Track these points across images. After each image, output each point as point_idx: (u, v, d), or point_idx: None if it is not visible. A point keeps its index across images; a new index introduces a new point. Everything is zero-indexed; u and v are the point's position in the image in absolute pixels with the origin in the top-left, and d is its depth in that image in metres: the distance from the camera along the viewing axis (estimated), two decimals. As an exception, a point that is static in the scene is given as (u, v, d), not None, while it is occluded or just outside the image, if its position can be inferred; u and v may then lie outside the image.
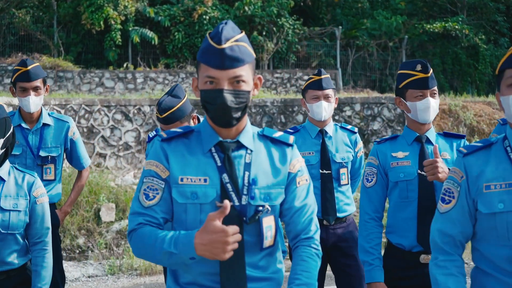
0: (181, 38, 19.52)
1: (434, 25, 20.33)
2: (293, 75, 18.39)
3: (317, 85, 4.88)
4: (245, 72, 2.43)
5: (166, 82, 17.71)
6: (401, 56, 20.41)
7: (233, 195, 2.46)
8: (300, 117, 14.15)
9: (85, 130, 13.25)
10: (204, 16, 19.50)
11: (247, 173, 2.50)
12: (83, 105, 13.36)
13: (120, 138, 13.52)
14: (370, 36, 20.65)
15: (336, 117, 14.19)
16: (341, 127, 5.07)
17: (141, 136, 13.62)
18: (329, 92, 4.89)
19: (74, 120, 13.13)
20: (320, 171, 4.88)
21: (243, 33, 2.49)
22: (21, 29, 19.21)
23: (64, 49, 19.22)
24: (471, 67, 20.61)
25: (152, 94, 16.23)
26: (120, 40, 18.76)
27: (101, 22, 18.44)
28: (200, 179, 2.48)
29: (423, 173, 3.59)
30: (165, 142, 2.56)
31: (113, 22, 18.66)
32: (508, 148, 2.54)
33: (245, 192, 2.48)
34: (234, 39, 2.43)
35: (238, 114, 2.46)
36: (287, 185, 2.59)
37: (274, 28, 19.97)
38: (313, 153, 4.91)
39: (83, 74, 17.19)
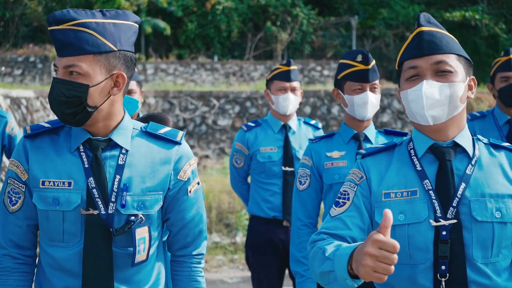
0: (194, 29, 19.31)
1: (453, 14, 19.82)
2: (306, 65, 18.06)
3: (285, 76, 4.59)
4: (84, 63, 2.13)
5: (177, 73, 17.52)
6: (418, 46, 19.93)
7: (99, 202, 2.18)
8: (307, 109, 13.85)
9: (88, 122, 13.10)
10: (217, 6, 19.25)
11: (118, 176, 2.21)
12: (86, 97, 13.21)
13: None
14: (387, 26, 20.21)
15: (345, 109, 13.85)
16: (305, 122, 4.80)
17: (146, 128, 13.44)
18: (296, 84, 4.61)
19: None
20: (283, 168, 4.62)
21: (103, 19, 2.16)
22: (34, 20, 19.16)
23: (76, 40, 19.10)
24: (490, 57, 20.06)
25: (163, 85, 16.04)
26: (132, 30, 18.57)
27: (113, 13, 18.27)
28: (63, 183, 2.19)
29: None
30: (29, 139, 2.25)
31: (125, 13, 18.48)
32: (412, 151, 2.22)
33: (113, 199, 2.19)
34: (73, 22, 2.12)
35: (72, 110, 2.15)
36: (175, 193, 2.32)
37: (289, 18, 19.65)
38: (275, 149, 4.65)
39: (93, 65, 17.03)
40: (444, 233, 2.06)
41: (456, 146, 2.16)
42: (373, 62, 3.39)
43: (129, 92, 4.31)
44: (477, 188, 2.11)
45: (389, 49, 20.17)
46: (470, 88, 2.20)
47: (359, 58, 3.36)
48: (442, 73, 2.10)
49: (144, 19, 18.95)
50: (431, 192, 2.10)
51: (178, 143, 2.34)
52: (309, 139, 3.60)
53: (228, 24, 19.39)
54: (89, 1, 18.92)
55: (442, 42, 2.12)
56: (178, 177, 2.32)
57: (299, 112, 13.79)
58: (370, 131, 3.48)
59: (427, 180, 2.12)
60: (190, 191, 2.36)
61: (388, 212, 1.70)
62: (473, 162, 2.14)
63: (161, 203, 2.30)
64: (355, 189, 2.19)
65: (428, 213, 2.09)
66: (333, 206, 2.20)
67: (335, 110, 13.85)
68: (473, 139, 2.22)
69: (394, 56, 20.28)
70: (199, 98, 13.83)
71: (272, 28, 19.26)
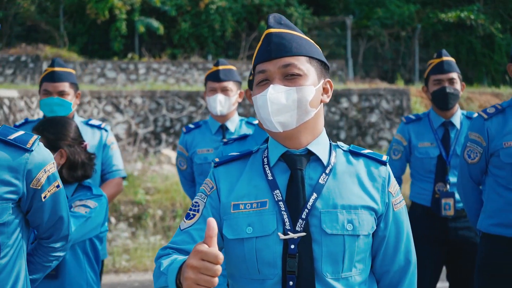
0: (187, 28, 19.25)
1: (449, 14, 19.67)
2: (299, 65, 17.95)
3: (214, 77, 4.54)
4: None
5: (169, 73, 17.45)
6: (413, 46, 19.83)
7: None
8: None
9: (74, 122, 13.04)
10: (210, 6, 19.17)
11: None
12: (72, 97, 13.15)
13: (111, 130, 13.29)
14: (383, 26, 20.08)
15: (333, 109, 13.77)
16: (247, 123, 4.71)
17: (132, 128, 13.39)
18: (228, 84, 4.52)
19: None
20: None
21: None
22: (28, 19, 19.15)
23: (70, 40, 19.11)
24: (486, 57, 19.91)
25: (150, 85, 15.97)
26: (125, 30, 18.57)
27: (106, 12, 18.25)
28: None
29: None
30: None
31: (118, 12, 18.47)
32: (266, 160, 2.09)
33: None
34: None
35: None
36: (29, 200, 2.37)
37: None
38: (211, 150, 4.58)
39: (85, 65, 17.02)
40: (292, 246, 1.94)
41: (310, 154, 2.05)
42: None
43: (62, 94, 4.20)
44: (329, 198, 2.00)
45: (384, 49, 20.05)
46: (325, 91, 2.10)
47: None
48: (290, 77, 1.99)
49: (138, 19, 18.91)
50: (280, 203, 1.99)
51: (29, 151, 2.27)
52: (222, 141, 3.53)
53: (222, 24, 19.32)
54: (82, 1, 18.88)
55: (292, 44, 2.02)
56: (31, 186, 2.29)
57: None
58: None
59: (277, 191, 2.01)
60: (45, 197, 2.34)
61: (211, 221, 1.61)
62: (327, 171, 2.04)
63: (11, 212, 2.25)
64: (205, 201, 2.09)
65: (277, 225, 1.97)
66: (184, 218, 2.10)
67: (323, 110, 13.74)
68: (330, 146, 2.11)
69: (389, 55, 20.18)
70: (186, 98, 13.76)
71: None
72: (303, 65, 2.01)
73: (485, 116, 3.52)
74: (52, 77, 4.22)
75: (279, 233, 1.96)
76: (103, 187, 4.46)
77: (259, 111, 2.01)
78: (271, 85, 1.98)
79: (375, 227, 2.03)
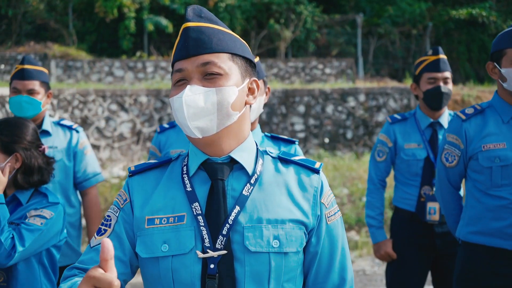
0: (196, 26, 19.15)
1: (460, 11, 19.43)
2: (308, 64, 17.82)
3: None
4: None
5: (177, 71, 17.36)
6: (425, 44, 19.60)
7: None
8: (301, 108, 13.63)
9: (78, 120, 13.01)
10: (219, 4, 19.08)
11: None
12: (76, 95, 13.12)
13: (115, 129, 13.25)
14: (394, 24, 19.88)
15: (339, 108, 13.62)
16: None
17: (137, 127, 13.33)
18: None
19: (67, 111, 12.93)
20: None
21: None
22: (37, 17, 19.15)
23: (79, 38, 19.10)
24: (498, 55, 19.65)
25: (162, 83, 15.90)
26: (134, 28, 18.53)
27: (115, 10, 18.21)
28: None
29: None
30: None
31: (126, 10, 18.43)
32: (185, 168, 1.89)
33: None
34: None
35: None
36: None
37: (293, 16, 19.41)
38: (184, 151, 4.45)
39: (93, 63, 16.99)
40: (212, 266, 1.74)
41: (234, 162, 1.85)
42: None
43: (31, 92, 4.07)
44: (253, 212, 1.79)
45: (395, 47, 19.84)
46: (251, 91, 1.89)
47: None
48: (210, 76, 1.79)
49: (147, 17, 18.85)
50: (199, 217, 1.78)
51: None
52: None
53: (231, 22, 19.21)
54: (90, 0, 18.86)
55: (212, 39, 1.80)
56: None
57: (293, 111, 13.58)
58: (255, 136, 3.25)
59: (196, 203, 1.80)
60: None
61: (106, 242, 1.39)
62: (252, 181, 1.83)
63: None
64: (117, 214, 1.88)
65: (195, 242, 1.77)
66: (95, 234, 1.89)
67: (329, 109, 13.61)
68: (258, 152, 1.91)
69: (400, 54, 19.97)
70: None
71: (275, 26, 19.04)
72: (225, 63, 1.80)
73: (463, 117, 3.34)
74: (22, 75, 4.08)
75: (198, 251, 1.76)
76: (85, 210, 4.33)
77: (176, 114, 1.81)
78: (188, 86, 1.78)
79: (305, 243, 1.84)
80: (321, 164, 1.93)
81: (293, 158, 1.93)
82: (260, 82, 3.18)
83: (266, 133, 3.35)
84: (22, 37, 19.05)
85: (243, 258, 1.76)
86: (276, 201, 1.82)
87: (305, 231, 1.84)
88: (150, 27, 18.66)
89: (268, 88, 3.28)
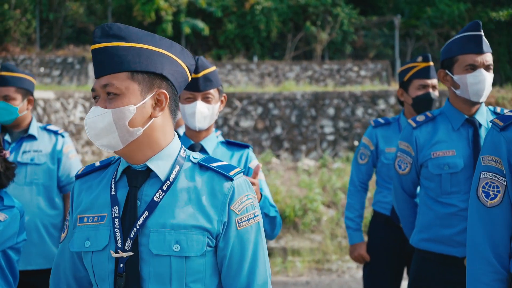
0: (233, 29, 19.28)
1: (500, 12, 19.09)
2: (343, 66, 17.76)
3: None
4: None
5: (212, 74, 17.48)
6: (464, 46, 19.28)
7: None
8: (331, 111, 13.60)
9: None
10: (256, 7, 19.16)
11: None
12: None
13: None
14: (432, 25, 19.65)
15: (369, 111, 13.54)
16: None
17: (168, 129, 13.48)
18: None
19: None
20: None
21: None
22: (78, 21, 19.55)
23: (118, 41, 19.39)
24: (540, 57, 19.28)
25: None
26: (171, 31, 18.75)
27: (152, 14, 18.45)
28: None
29: None
30: None
31: (164, 14, 18.66)
32: (115, 173, 2.03)
33: None
34: None
35: None
36: None
37: (330, 18, 19.37)
38: None
39: (129, 66, 17.21)
40: (121, 265, 1.91)
41: (150, 170, 1.98)
42: (205, 71, 3.16)
43: (6, 98, 4.14)
44: (160, 217, 1.92)
45: (433, 49, 19.60)
46: (159, 103, 1.96)
47: None
48: (110, 96, 1.90)
49: (184, 20, 19.05)
50: (116, 220, 1.94)
51: None
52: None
53: (267, 24, 19.27)
54: (129, 3, 19.15)
55: (113, 59, 1.89)
56: None
57: (323, 113, 13.54)
58: (209, 142, 3.27)
59: (116, 207, 1.95)
60: None
61: None
62: (164, 188, 1.94)
63: None
64: (67, 216, 2.11)
65: (109, 242, 1.94)
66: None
67: (359, 112, 13.55)
68: (176, 159, 2.00)
69: (438, 55, 19.71)
70: (222, 99, 13.76)
71: (312, 28, 19.03)
72: (122, 82, 1.89)
73: (414, 125, 3.34)
74: None
75: (111, 251, 1.92)
76: (67, 212, 4.42)
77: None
78: (92, 108, 1.92)
79: (206, 247, 1.92)
80: (238, 172, 2.00)
81: (211, 165, 2.00)
82: (214, 91, 3.20)
83: (222, 140, 3.35)
84: (63, 40, 19.45)
85: (148, 260, 1.90)
86: (184, 208, 1.93)
87: (209, 237, 1.93)
88: (187, 30, 18.85)
89: (224, 96, 3.29)
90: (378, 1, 21.03)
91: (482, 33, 3.19)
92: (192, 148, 3.24)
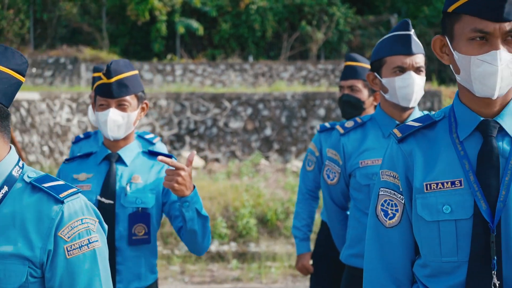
0: (228, 29, 19.12)
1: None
2: (338, 66, 17.55)
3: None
4: None
5: (206, 74, 17.35)
6: (461, 45, 19.06)
7: None
8: (322, 111, 13.41)
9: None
10: (251, 6, 18.98)
11: None
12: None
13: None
14: (429, 24, 19.42)
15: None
16: (139, 137, 4.33)
17: (156, 131, 13.34)
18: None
19: (86, 114, 13.01)
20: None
21: None
22: (72, 21, 19.42)
23: (112, 41, 19.27)
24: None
25: (182, 87, 15.90)
26: (165, 31, 18.60)
27: (146, 13, 18.31)
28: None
29: (103, 199, 2.93)
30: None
31: (158, 14, 18.51)
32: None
33: None
34: None
35: None
36: None
37: (325, 17, 19.17)
38: None
39: (122, 66, 17.07)
40: None
41: None
42: (116, 78, 2.97)
43: None
44: None
45: (430, 48, 19.33)
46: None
47: (104, 70, 2.99)
48: None
49: (178, 20, 18.90)
50: None
51: None
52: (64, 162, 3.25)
53: (262, 24, 19.09)
54: (123, 3, 19.00)
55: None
56: None
57: (314, 114, 13.36)
58: (127, 152, 3.06)
59: None
60: None
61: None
62: None
63: None
64: None
65: None
66: None
67: (350, 112, 13.34)
68: (6, 179, 1.81)
69: (434, 55, 19.47)
70: (211, 100, 13.60)
71: (307, 28, 18.83)
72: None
73: (341, 131, 3.10)
74: None
75: None
76: None
77: None
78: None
79: (28, 278, 1.74)
80: (72, 193, 1.81)
81: (44, 185, 1.80)
82: (131, 98, 2.99)
83: (144, 149, 3.15)
84: (57, 40, 19.32)
85: None
86: (3, 234, 1.75)
87: (32, 267, 1.75)
88: (181, 30, 18.70)
89: (146, 103, 3.07)
90: (374, 0, 20.81)
91: (411, 32, 2.97)
92: (108, 158, 3.05)
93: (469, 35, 1.83)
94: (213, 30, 19.44)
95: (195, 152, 2.88)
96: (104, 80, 2.94)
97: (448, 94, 13.96)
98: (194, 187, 2.82)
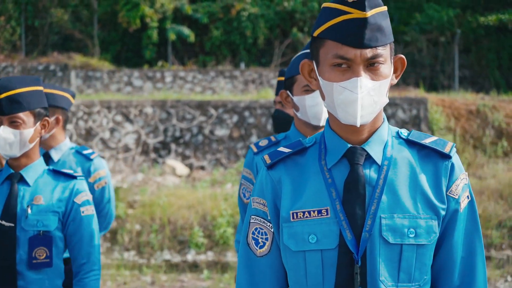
0: (219, 36, 19.11)
1: (489, 17, 18.78)
2: (328, 73, 17.50)
3: None
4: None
5: (196, 81, 17.34)
6: (453, 52, 19.04)
7: None
8: (307, 119, 13.36)
9: (83, 132, 13.09)
10: (242, 13, 18.97)
11: None
12: (81, 106, 13.20)
13: (120, 140, 13.27)
14: (421, 31, 19.37)
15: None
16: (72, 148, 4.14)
17: (142, 139, 13.32)
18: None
19: (71, 122, 13.01)
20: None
21: None
22: (63, 28, 19.44)
23: (103, 48, 19.28)
24: (529, 63, 18.95)
25: (168, 94, 15.88)
26: (156, 38, 18.61)
27: (137, 20, 18.32)
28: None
29: (3, 222, 2.83)
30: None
31: (149, 20, 18.52)
32: None
33: None
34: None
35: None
36: None
37: (317, 24, 19.14)
38: None
39: (113, 74, 17.10)
40: None
41: None
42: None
43: None
44: None
45: (422, 55, 19.33)
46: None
47: None
48: None
49: (170, 27, 18.90)
50: None
51: None
52: None
53: (254, 31, 19.08)
54: (114, 9, 19.02)
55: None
56: None
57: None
58: (30, 171, 2.95)
59: None
60: None
61: None
62: None
63: None
64: None
65: None
66: None
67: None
68: None
69: (427, 61, 19.45)
70: (197, 107, 13.58)
71: (298, 34, 18.82)
72: None
73: (255, 150, 3.04)
74: None
75: None
76: None
77: None
78: None
79: None
80: None
81: None
82: (25, 114, 2.85)
83: (49, 167, 3.05)
84: (48, 47, 19.34)
85: None
86: None
87: None
88: (173, 36, 18.70)
89: (47, 120, 2.95)
90: (367, 6, 20.74)
91: None
92: (10, 178, 2.95)
93: (331, 61, 1.79)
94: (205, 37, 19.44)
95: None
96: None
97: (435, 101, 13.88)
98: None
